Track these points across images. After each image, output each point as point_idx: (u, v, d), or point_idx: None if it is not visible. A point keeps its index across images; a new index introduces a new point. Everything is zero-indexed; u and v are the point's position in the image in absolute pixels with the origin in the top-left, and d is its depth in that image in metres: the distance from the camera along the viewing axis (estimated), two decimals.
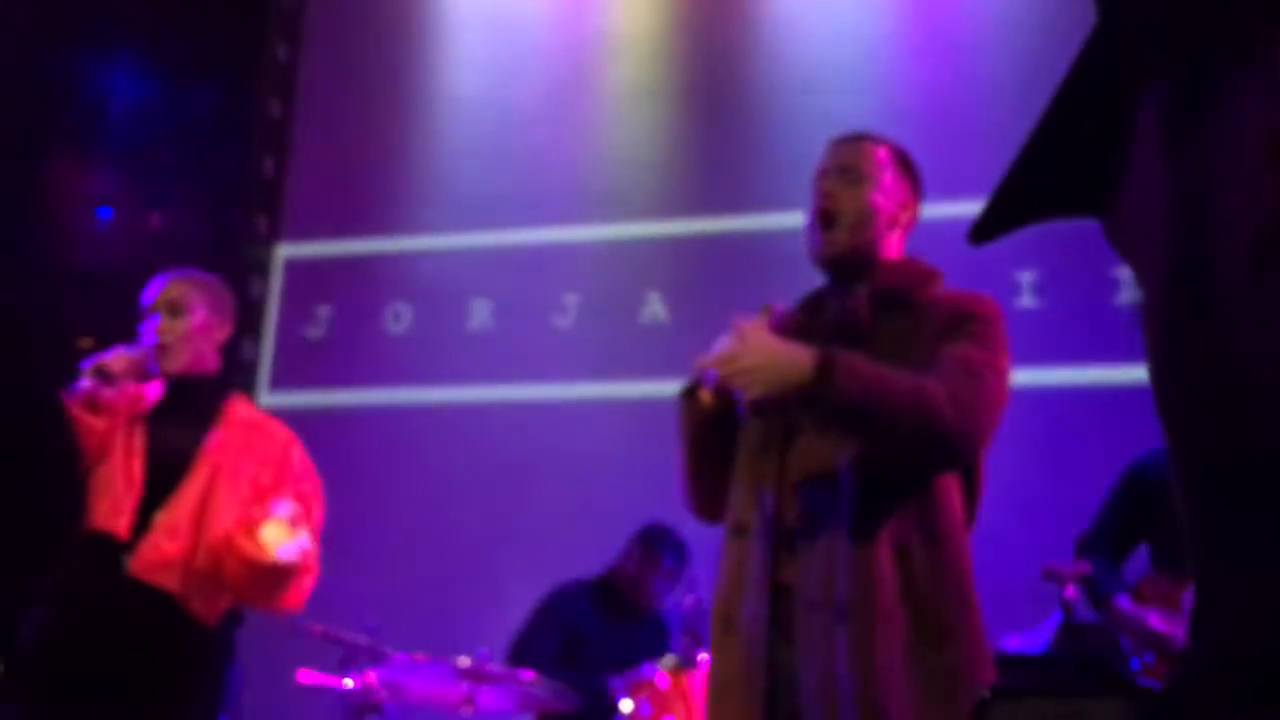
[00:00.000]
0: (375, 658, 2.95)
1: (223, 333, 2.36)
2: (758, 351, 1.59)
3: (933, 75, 4.19)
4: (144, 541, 2.13)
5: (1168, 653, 2.49)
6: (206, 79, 4.63)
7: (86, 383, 2.14)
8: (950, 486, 1.67)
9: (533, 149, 4.50)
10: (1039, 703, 1.56)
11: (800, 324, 1.80)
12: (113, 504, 2.14)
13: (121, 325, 3.99)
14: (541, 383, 4.24)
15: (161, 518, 2.15)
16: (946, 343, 1.66)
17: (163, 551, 2.13)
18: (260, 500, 2.23)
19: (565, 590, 3.40)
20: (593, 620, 3.34)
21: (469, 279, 4.41)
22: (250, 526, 2.16)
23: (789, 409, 1.67)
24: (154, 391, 2.31)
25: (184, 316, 2.27)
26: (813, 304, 1.86)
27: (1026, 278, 3.84)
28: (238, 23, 4.69)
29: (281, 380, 4.50)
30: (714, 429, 1.80)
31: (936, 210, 4.03)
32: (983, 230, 0.43)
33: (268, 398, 4.44)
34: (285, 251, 4.67)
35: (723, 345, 1.67)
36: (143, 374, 2.23)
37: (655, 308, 4.22)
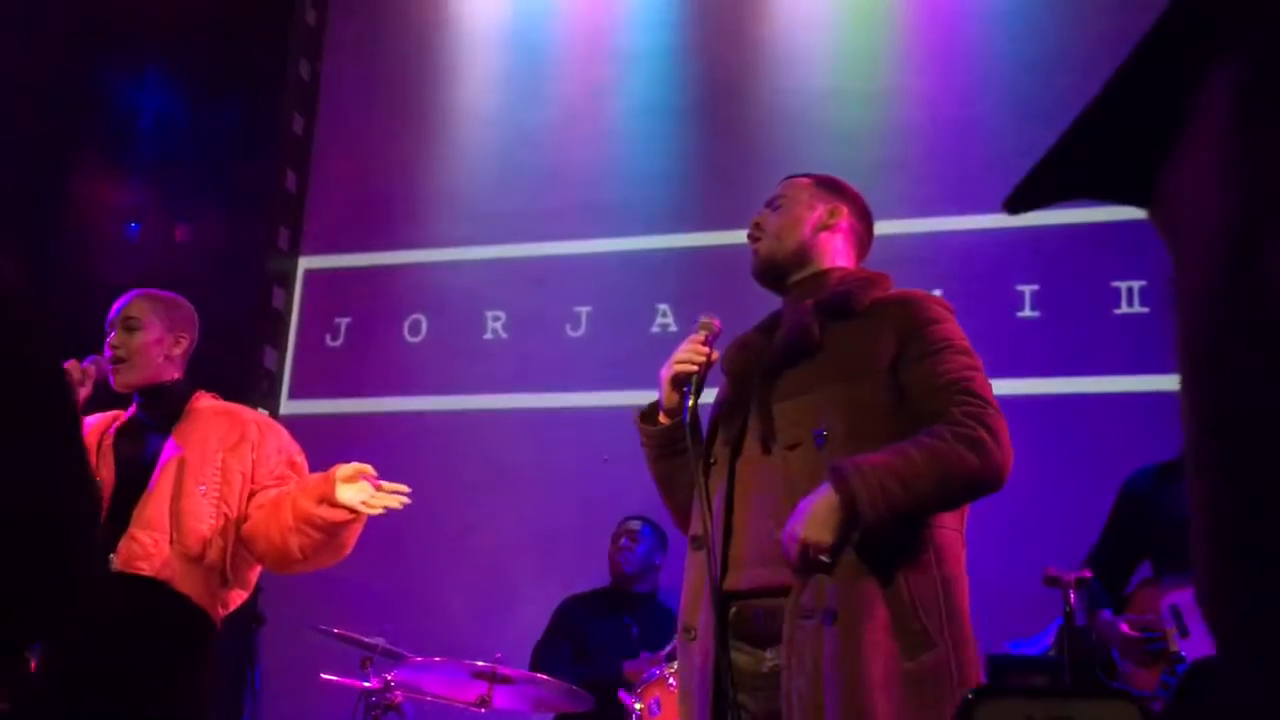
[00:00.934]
0: (393, 659, 3.03)
1: (180, 346, 2.47)
2: (799, 525, 1.63)
3: (937, 92, 4.26)
4: (124, 538, 2.24)
5: (1140, 660, 2.57)
6: (231, 95, 4.73)
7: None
8: None
9: (547, 164, 4.60)
10: (1023, 703, 1.61)
11: (757, 343, 1.91)
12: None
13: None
14: (555, 391, 4.33)
15: (136, 514, 2.26)
16: (922, 360, 1.73)
17: (141, 543, 2.24)
18: (251, 477, 2.36)
19: (573, 600, 3.54)
20: (597, 621, 3.46)
21: (485, 290, 4.51)
22: (322, 494, 2.27)
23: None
24: (128, 410, 2.44)
25: (138, 331, 2.40)
26: (768, 323, 1.97)
27: (1028, 289, 3.91)
28: (262, 40, 4.79)
29: (302, 388, 4.60)
30: (672, 447, 1.91)
31: (941, 224, 4.11)
32: (1018, 202, 0.43)
33: (288, 405, 4.54)
34: (306, 263, 4.77)
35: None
36: (92, 382, 2.35)
37: (666, 319, 4.30)
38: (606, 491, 4.01)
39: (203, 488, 2.29)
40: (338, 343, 4.61)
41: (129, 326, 2.40)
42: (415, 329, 4.56)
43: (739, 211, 4.44)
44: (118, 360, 2.38)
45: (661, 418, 1.92)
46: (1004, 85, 4.21)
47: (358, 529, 2.34)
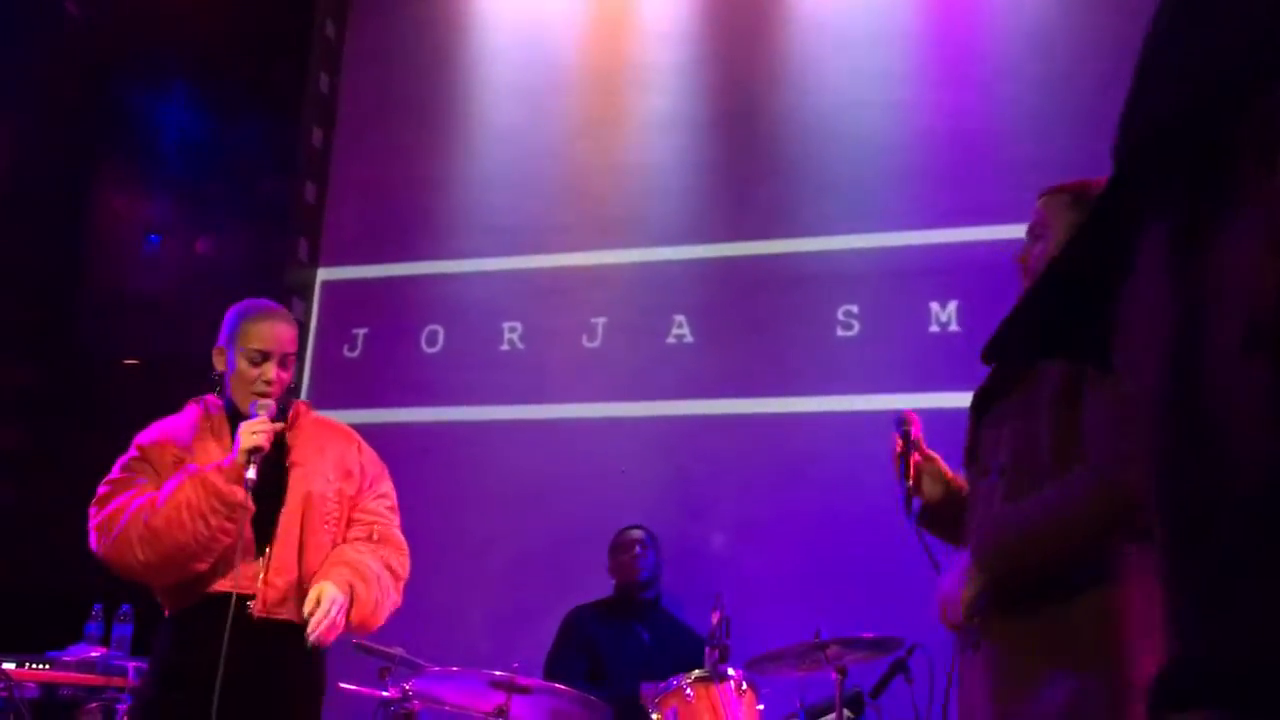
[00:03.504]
0: (411, 669, 3.05)
1: None
2: (943, 607, 1.72)
3: (954, 104, 4.27)
4: (262, 584, 2.25)
5: None
6: (252, 110, 4.79)
7: (254, 472, 2.20)
8: None
9: (564, 176, 4.63)
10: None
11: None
12: (234, 567, 2.21)
13: (168, 347, 4.16)
14: (571, 402, 4.35)
15: (272, 560, 2.26)
16: (1077, 400, 1.62)
17: (278, 589, 2.26)
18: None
19: (579, 611, 3.57)
20: (608, 630, 3.48)
21: (501, 302, 4.53)
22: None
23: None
24: (212, 407, 2.41)
25: (290, 369, 2.39)
26: None
27: None
28: (282, 55, 4.85)
29: (320, 398, 4.63)
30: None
31: (959, 234, 4.11)
32: (991, 354, 0.47)
33: None
34: (325, 274, 4.81)
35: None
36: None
37: (682, 330, 4.32)
38: (623, 502, 4.03)
39: (326, 525, 2.32)
40: (355, 353, 4.64)
41: (285, 365, 2.36)
42: (432, 340, 4.60)
43: (754, 223, 4.49)
44: (273, 396, 2.32)
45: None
46: (1023, 98, 4.21)
47: (374, 610, 2.33)
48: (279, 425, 2.29)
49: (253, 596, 2.23)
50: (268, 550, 2.27)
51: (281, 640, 2.25)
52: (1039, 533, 1.58)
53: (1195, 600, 0.37)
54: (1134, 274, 0.41)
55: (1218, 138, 0.38)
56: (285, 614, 2.26)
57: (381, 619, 2.37)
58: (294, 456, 2.37)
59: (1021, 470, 1.65)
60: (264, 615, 2.24)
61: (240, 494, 2.19)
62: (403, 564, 2.46)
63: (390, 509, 2.49)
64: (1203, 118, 0.38)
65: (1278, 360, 0.35)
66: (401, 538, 2.49)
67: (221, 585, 2.23)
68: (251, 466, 2.18)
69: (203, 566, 2.22)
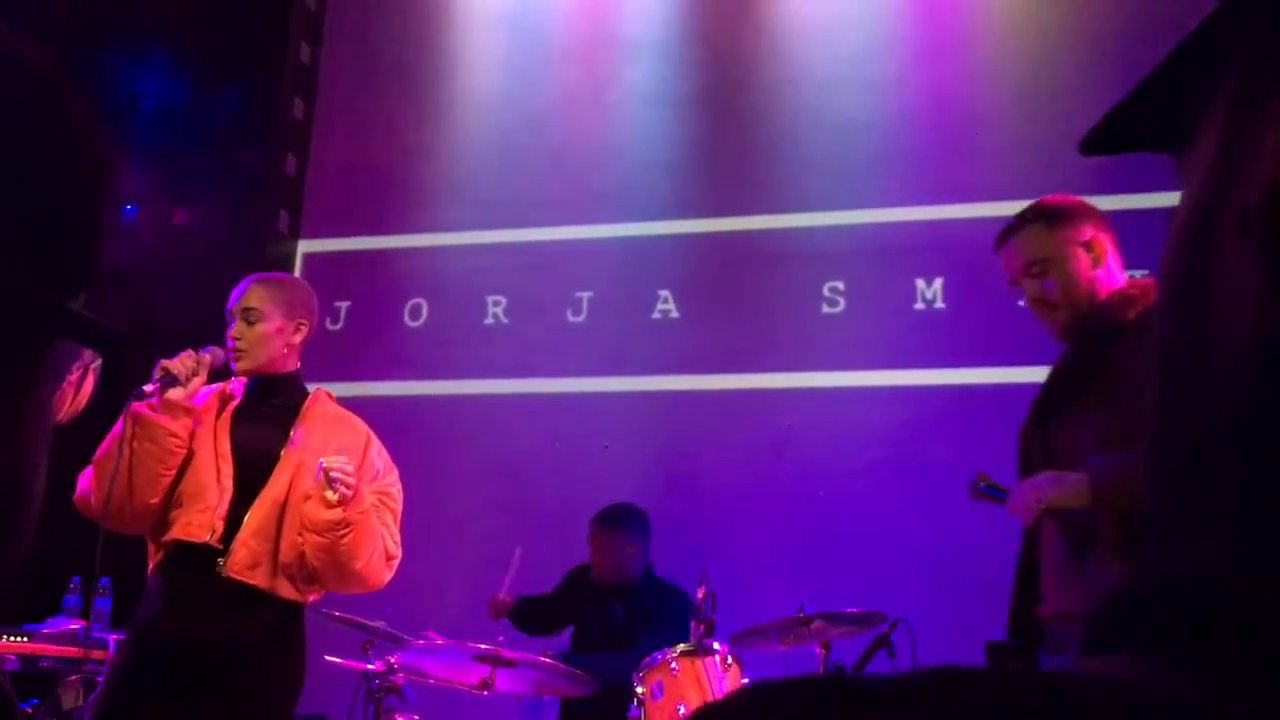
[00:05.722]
0: (394, 642, 3.05)
1: (300, 333, 2.46)
2: (1042, 483, 1.79)
3: (941, 80, 4.26)
4: (235, 543, 2.26)
5: None
6: (231, 79, 4.72)
7: (151, 385, 2.26)
8: None
9: (549, 150, 4.59)
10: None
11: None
12: (206, 514, 2.26)
13: (146, 320, 4.11)
14: (555, 376, 4.34)
15: (249, 519, 2.28)
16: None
17: (252, 551, 2.27)
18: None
19: (582, 568, 3.62)
20: (587, 598, 3.54)
21: (485, 275, 4.51)
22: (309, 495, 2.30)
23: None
24: (237, 390, 2.45)
25: (259, 323, 2.39)
26: (1065, 360, 1.97)
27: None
28: (262, 24, 4.77)
29: (301, 373, 4.60)
30: None
31: (943, 212, 4.11)
32: (1091, 146, 0.46)
33: None
34: (306, 247, 4.77)
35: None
36: (212, 372, 2.35)
37: (667, 305, 4.31)
38: (607, 476, 4.03)
39: (309, 500, 2.31)
40: (338, 326, 4.60)
41: (249, 318, 2.39)
42: (415, 313, 4.57)
43: (740, 198, 4.47)
44: (239, 351, 2.37)
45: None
46: (1009, 73, 4.21)
47: (354, 538, 2.30)
48: (204, 358, 2.33)
49: (223, 552, 2.25)
50: (247, 514, 2.29)
51: (253, 605, 2.26)
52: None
53: (1148, 522, 0.35)
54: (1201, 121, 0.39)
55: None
56: (256, 579, 2.26)
57: (367, 563, 2.33)
58: (294, 435, 2.39)
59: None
60: (233, 576, 2.25)
61: (149, 413, 2.25)
62: (395, 541, 2.46)
63: (390, 504, 2.46)
64: None
65: (1263, 250, 0.33)
66: (396, 530, 2.47)
67: (189, 532, 2.26)
68: (155, 385, 2.26)
69: (155, 500, 2.27)
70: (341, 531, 2.26)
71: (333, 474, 2.23)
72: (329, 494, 2.25)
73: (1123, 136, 0.44)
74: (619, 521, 3.55)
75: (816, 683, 0.30)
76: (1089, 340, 1.84)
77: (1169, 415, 0.37)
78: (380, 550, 2.37)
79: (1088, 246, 1.94)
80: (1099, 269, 1.93)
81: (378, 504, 2.38)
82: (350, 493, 2.26)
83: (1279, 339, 0.32)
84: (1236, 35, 0.38)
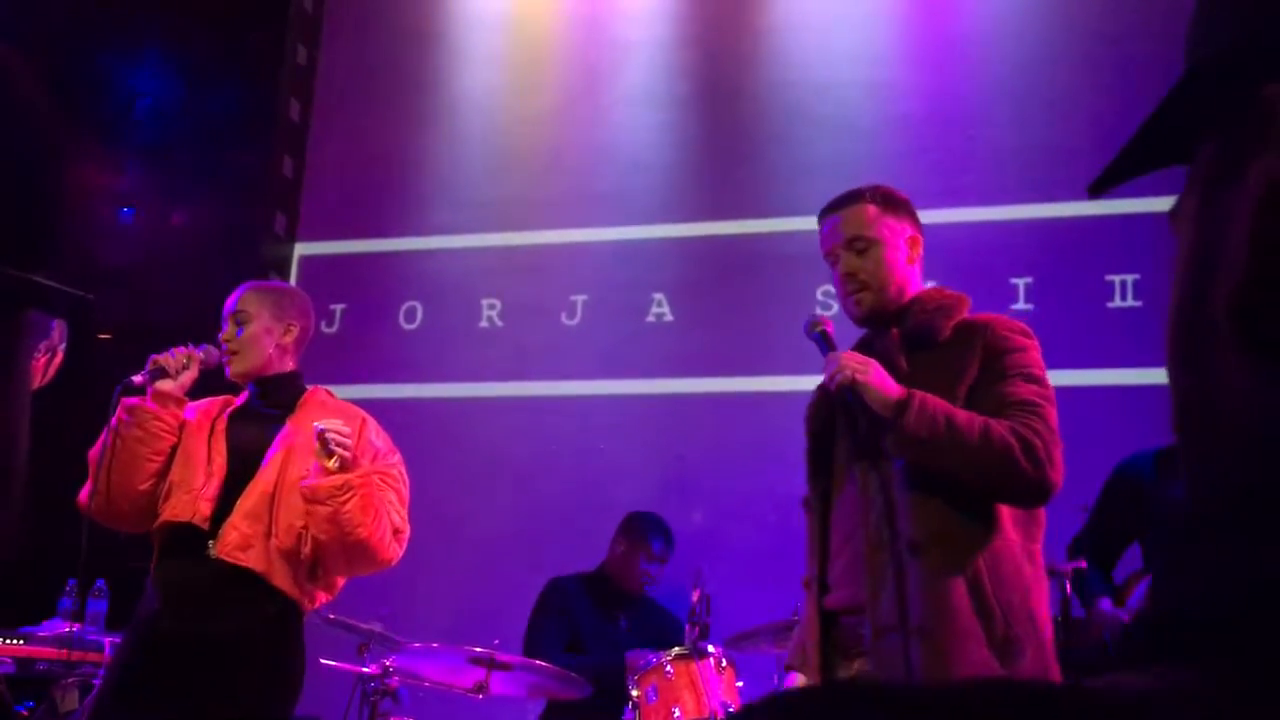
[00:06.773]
0: (390, 645, 3.05)
1: (290, 335, 2.52)
2: (854, 358, 1.80)
3: (935, 83, 4.27)
4: (225, 526, 2.29)
5: None
6: (228, 81, 4.72)
7: (140, 377, 2.34)
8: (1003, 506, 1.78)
9: (544, 152, 4.60)
10: None
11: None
12: (195, 495, 2.31)
13: (143, 321, 4.10)
14: (550, 379, 4.34)
15: (241, 502, 2.32)
16: (996, 383, 1.78)
17: (243, 533, 2.29)
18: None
19: (560, 582, 3.54)
20: (586, 610, 3.48)
21: (480, 278, 4.51)
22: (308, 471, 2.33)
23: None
24: (242, 401, 2.51)
25: (248, 325, 2.47)
26: (863, 348, 2.02)
27: (1021, 282, 3.93)
28: (259, 26, 4.78)
29: (301, 375, 4.60)
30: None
31: (936, 215, 4.12)
32: (1097, 189, 0.47)
33: None
34: (302, 249, 4.77)
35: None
36: (205, 371, 2.44)
37: (661, 308, 4.31)
38: (602, 479, 4.03)
39: (304, 482, 2.32)
40: (333, 329, 4.61)
41: (239, 320, 2.48)
42: (411, 316, 4.57)
43: (735, 201, 4.47)
44: (231, 353, 2.47)
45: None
46: (1003, 77, 4.22)
47: (358, 503, 2.29)
48: (197, 354, 2.42)
49: (213, 535, 2.28)
50: (239, 497, 2.32)
51: (248, 594, 2.27)
52: (964, 436, 1.71)
53: (1170, 554, 0.37)
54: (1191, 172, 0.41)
55: (1254, 86, 0.37)
56: (249, 561, 2.28)
57: (373, 533, 2.31)
58: (289, 423, 2.44)
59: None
60: (223, 557, 2.26)
61: (137, 401, 2.34)
62: (402, 517, 2.45)
63: (393, 484, 2.47)
64: (1247, 62, 0.38)
65: (1247, 332, 0.35)
66: (403, 508, 2.48)
67: (175, 513, 2.30)
68: (145, 376, 2.36)
69: (143, 487, 2.33)
70: (344, 496, 2.26)
71: (329, 436, 2.26)
72: (329, 462, 2.26)
73: (1124, 176, 0.46)
74: (670, 541, 3.54)
75: (836, 689, 0.31)
76: (911, 342, 1.90)
77: (1192, 460, 0.39)
78: (386, 523, 2.36)
79: (910, 243, 2.02)
80: (912, 268, 2.00)
81: (380, 481, 2.40)
82: (348, 454, 2.28)
83: (1268, 430, 0.34)
84: (1208, 107, 0.39)
